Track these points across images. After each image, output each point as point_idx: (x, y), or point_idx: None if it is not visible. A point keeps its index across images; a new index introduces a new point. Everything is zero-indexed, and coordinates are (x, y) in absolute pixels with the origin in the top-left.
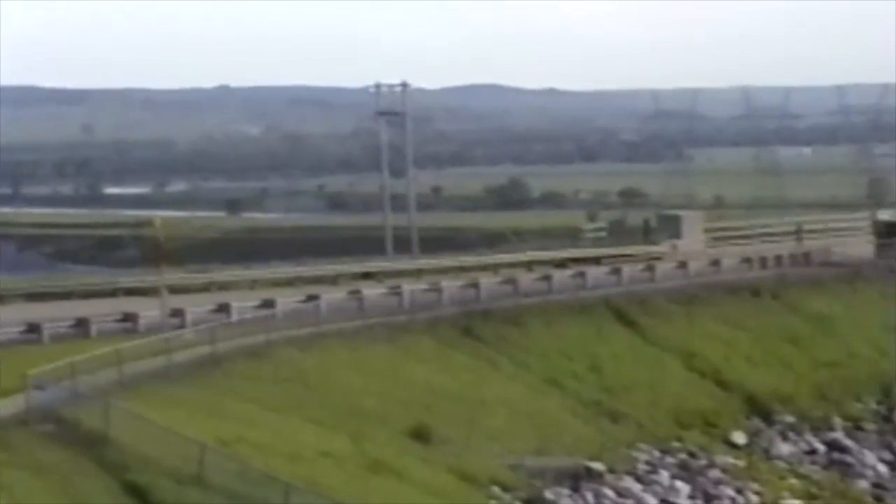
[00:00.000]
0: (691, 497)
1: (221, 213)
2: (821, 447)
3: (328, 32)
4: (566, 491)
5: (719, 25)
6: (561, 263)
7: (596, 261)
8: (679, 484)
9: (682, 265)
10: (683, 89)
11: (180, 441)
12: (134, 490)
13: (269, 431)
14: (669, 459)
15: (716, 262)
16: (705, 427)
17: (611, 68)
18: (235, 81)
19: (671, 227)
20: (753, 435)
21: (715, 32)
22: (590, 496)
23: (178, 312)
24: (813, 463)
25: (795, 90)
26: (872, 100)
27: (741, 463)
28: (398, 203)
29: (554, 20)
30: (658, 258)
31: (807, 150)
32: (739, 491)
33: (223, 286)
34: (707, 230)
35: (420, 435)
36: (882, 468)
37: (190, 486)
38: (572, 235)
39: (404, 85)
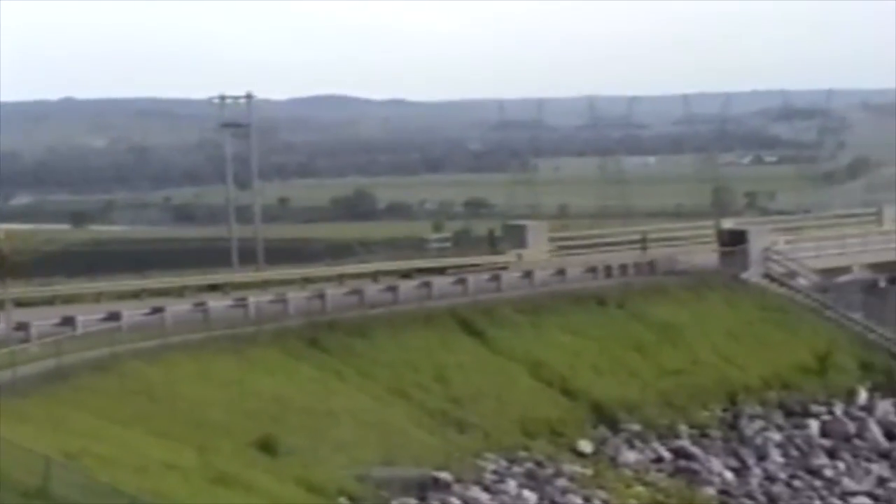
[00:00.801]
0: None
1: (67, 226)
2: (667, 455)
3: (174, 44)
4: (413, 501)
5: (563, 35)
6: (407, 274)
7: (441, 271)
8: (526, 493)
9: (528, 275)
10: (528, 99)
11: (25, 454)
12: None
13: (115, 444)
14: (516, 468)
15: (561, 272)
16: (552, 436)
17: (457, 78)
18: (80, 93)
19: (516, 236)
20: (600, 443)
21: (559, 42)
22: None
23: (22, 326)
24: (659, 470)
25: (640, 100)
26: (716, 109)
27: (588, 471)
28: (244, 214)
29: (399, 31)
30: (503, 268)
31: (652, 160)
32: (587, 499)
33: (68, 299)
34: (552, 239)
35: (267, 446)
36: (728, 475)
37: (35, 499)
38: (418, 246)
39: (249, 96)
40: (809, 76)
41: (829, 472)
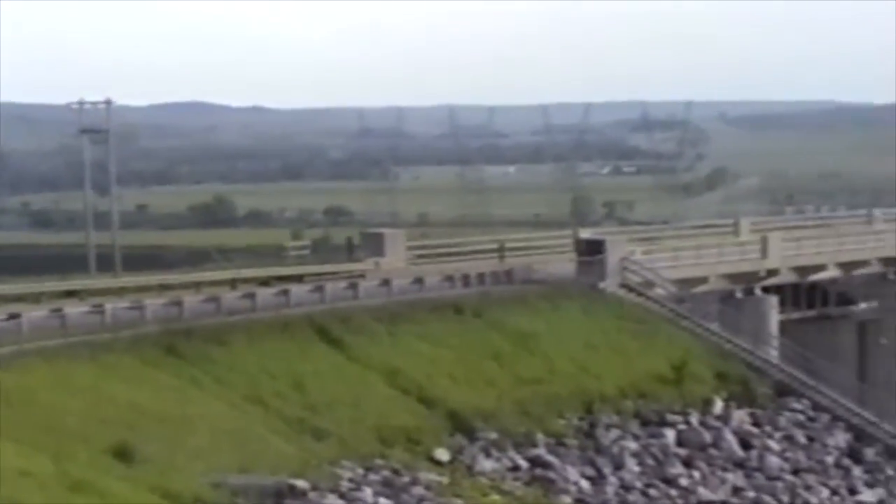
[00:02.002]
0: None
1: None
2: (523, 463)
3: (32, 47)
4: None
5: (423, 44)
6: (265, 281)
7: (299, 278)
8: (383, 501)
9: (386, 283)
10: (388, 107)
11: None
12: None
13: None
14: (373, 476)
15: (419, 280)
16: (409, 444)
17: (317, 86)
18: None
19: (374, 244)
20: (457, 452)
21: (419, 51)
22: None
23: None
24: (516, 479)
25: (500, 109)
26: (576, 119)
27: (445, 479)
28: (103, 221)
29: (260, 38)
30: (361, 276)
31: (511, 169)
32: None
33: None
34: (410, 248)
35: (123, 454)
36: (584, 483)
37: None
38: (276, 253)
39: (108, 102)
40: (668, 88)
41: (684, 481)
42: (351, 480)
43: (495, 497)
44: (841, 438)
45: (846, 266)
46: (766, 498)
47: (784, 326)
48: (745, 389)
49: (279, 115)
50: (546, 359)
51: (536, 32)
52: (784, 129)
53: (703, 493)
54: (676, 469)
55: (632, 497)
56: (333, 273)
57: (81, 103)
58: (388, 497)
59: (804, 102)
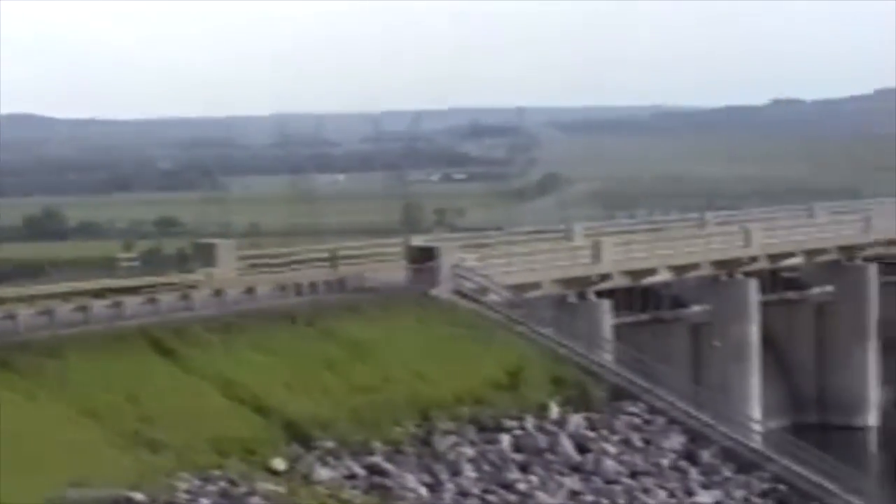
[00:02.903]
0: None
1: None
2: (361, 471)
3: None
4: None
5: (251, 51)
6: (98, 294)
7: (133, 290)
8: None
9: (218, 293)
10: (219, 118)
11: None
12: None
13: None
14: (210, 487)
15: (251, 290)
16: (245, 454)
17: (147, 97)
18: None
19: (206, 255)
20: (294, 461)
21: (248, 60)
22: None
23: None
24: (354, 487)
25: (330, 117)
26: (406, 127)
27: (282, 489)
28: None
29: (89, 49)
30: (193, 287)
31: (342, 177)
32: None
33: None
34: (242, 258)
35: None
36: (422, 490)
37: None
38: (108, 265)
39: None
40: (499, 94)
41: (522, 487)
42: (188, 492)
43: None
44: (677, 441)
45: (678, 269)
46: (604, 501)
47: (618, 330)
48: (581, 394)
49: (110, 127)
50: (380, 366)
51: (366, 38)
52: (615, 133)
53: (541, 497)
54: (514, 474)
55: (469, 503)
56: (166, 284)
57: None
58: None
59: (635, 107)
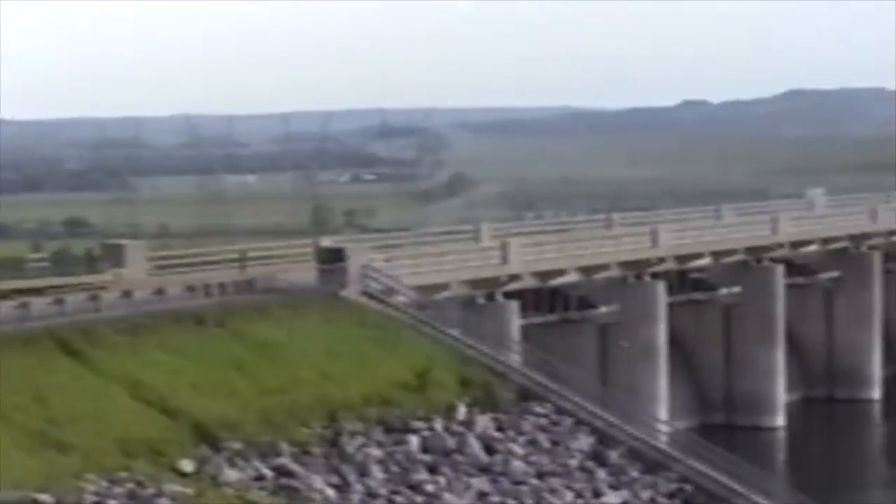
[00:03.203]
0: None
1: None
2: (268, 472)
3: None
4: None
5: (159, 50)
6: (5, 295)
7: (39, 291)
8: None
9: (127, 294)
10: (127, 118)
11: None
12: None
13: None
14: (118, 489)
15: (160, 291)
16: (153, 456)
17: (54, 97)
18: None
19: (115, 256)
20: (201, 462)
21: (156, 58)
22: None
23: None
24: (261, 488)
25: (239, 118)
26: (315, 127)
27: (189, 490)
28: None
29: None
30: (102, 288)
31: (251, 178)
32: None
33: None
34: (151, 259)
35: None
36: (330, 492)
37: None
38: (16, 266)
39: None
40: (408, 95)
41: (430, 488)
42: (95, 493)
43: None
44: (584, 442)
45: (587, 270)
46: (511, 502)
47: (526, 331)
48: (489, 395)
49: (15, 127)
50: (289, 368)
51: (272, 39)
52: (523, 134)
53: (449, 498)
54: (421, 475)
55: None
56: (75, 285)
57: None
58: None
59: (543, 108)
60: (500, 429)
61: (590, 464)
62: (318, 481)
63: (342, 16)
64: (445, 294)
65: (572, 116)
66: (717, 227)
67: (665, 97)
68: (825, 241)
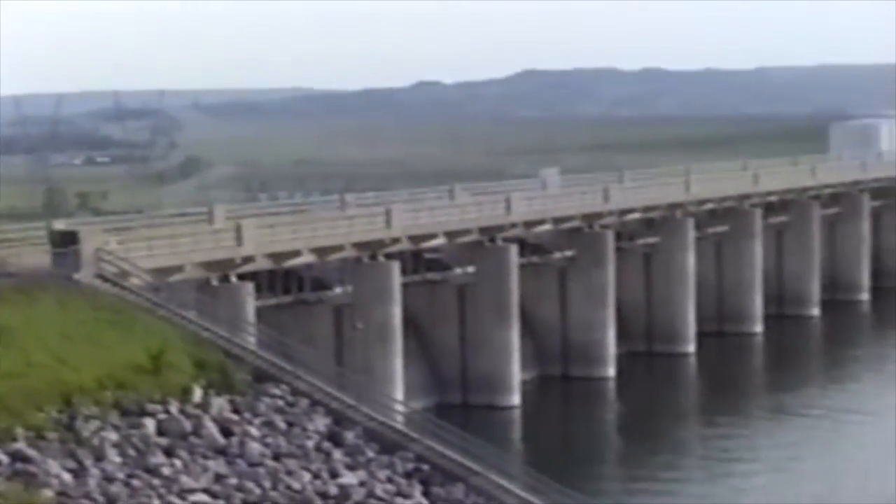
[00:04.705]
0: None
1: None
2: (4, 458)
3: None
4: None
5: None
6: None
7: None
8: None
9: None
10: None
11: None
12: None
13: None
14: None
15: None
16: None
17: None
18: None
19: None
20: None
21: None
22: None
23: None
24: None
25: None
26: (48, 110)
27: None
28: None
29: None
30: None
31: None
32: None
33: None
34: None
35: None
36: (66, 476)
37: None
38: None
39: None
40: (142, 77)
41: (166, 471)
42: None
43: None
44: (321, 423)
45: (321, 252)
46: (249, 484)
47: (261, 313)
48: (224, 377)
49: None
50: (22, 352)
51: (4, 20)
52: (257, 116)
53: (186, 481)
54: (158, 459)
55: (114, 488)
56: None
57: None
58: None
59: (276, 90)
60: (235, 411)
61: (326, 444)
62: (54, 466)
63: None
64: (180, 276)
65: (306, 98)
66: (450, 207)
67: (399, 78)
68: (558, 220)
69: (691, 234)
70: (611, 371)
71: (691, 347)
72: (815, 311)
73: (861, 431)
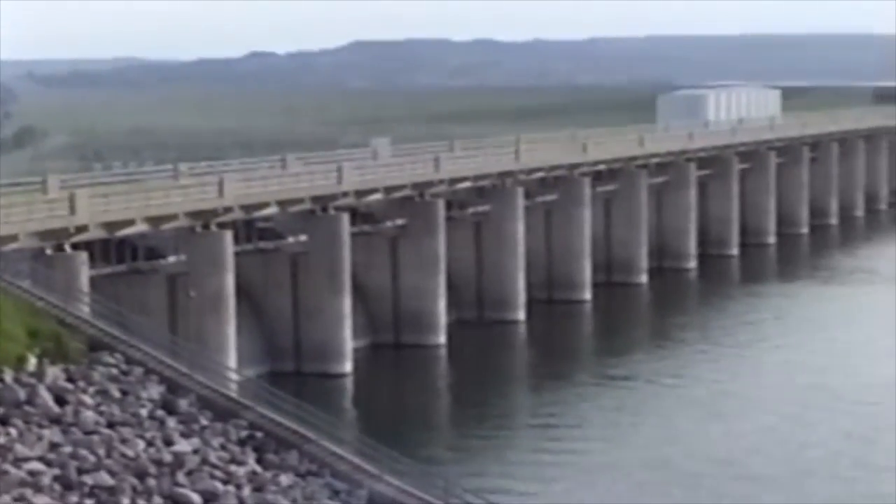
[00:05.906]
0: None
1: None
2: None
3: None
4: None
5: None
6: None
7: None
8: None
9: None
10: None
11: None
12: None
13: None
14: None
15: None
16: None
17: None
18: None
19: None
20: None
21: None
22: None
23: None
24: None
25: None
26: None
27: None
28: None
29: None
30: None
31: None
32: None
33: None
34: None
35: None
36: None
37: None
38: None
39: None
40: None
41: (1, 440)
42: None
43: None
44: (155, 391)
45: (154, 220)
46: (83, 452)
47: (95, 282)
48: (59, 346)
49: None
50: None
51: None
52: (91, 86)
53: (20, 450)
54: None
55: None
56: None
57: None
58: None
59: (109, 60)
60: (70, 380)
61: (160, 412)
62: None
63: None
64: (14, 246)
65: (140, 68)
66: (283, 176)
67: (232, 49)
68: (389, 189)
69: (521, 203)
70: (442, 338)
71: (521, 315)
72: (643, 279)
73: (684, 395)
